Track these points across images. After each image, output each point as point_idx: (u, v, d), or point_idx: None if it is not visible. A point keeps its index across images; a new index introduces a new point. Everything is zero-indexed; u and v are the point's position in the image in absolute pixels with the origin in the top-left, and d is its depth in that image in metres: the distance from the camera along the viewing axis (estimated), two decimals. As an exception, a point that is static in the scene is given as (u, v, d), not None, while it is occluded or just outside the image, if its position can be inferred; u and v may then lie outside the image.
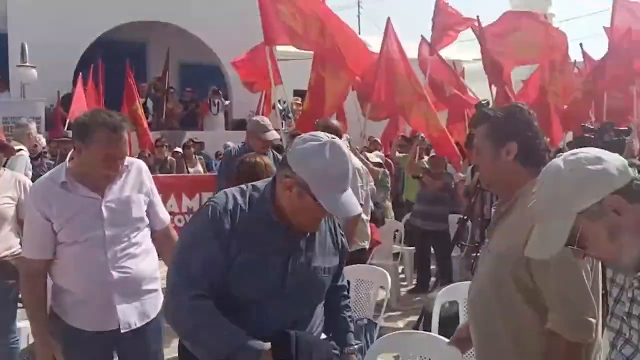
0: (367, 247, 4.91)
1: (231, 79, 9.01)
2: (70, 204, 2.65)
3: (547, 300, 1.86)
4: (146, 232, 2.88)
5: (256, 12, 7.53)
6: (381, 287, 4.02)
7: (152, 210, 2.93)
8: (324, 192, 1.88)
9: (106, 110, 2.76)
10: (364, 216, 4.67)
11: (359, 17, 36.62)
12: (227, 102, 15.44)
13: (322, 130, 2.37)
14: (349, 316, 2.33)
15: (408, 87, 8.02)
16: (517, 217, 1.98)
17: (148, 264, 2.83)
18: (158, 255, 2.97)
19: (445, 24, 9.56)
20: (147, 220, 2.88)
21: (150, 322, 2.81)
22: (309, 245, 2.06)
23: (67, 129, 9.58)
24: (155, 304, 2.82)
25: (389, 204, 9.02)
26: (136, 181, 2.85)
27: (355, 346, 2.28)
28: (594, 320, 1.84)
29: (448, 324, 3.40)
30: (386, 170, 8.10)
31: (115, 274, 2.67)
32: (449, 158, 7.92)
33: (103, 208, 2.69)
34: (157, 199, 2.99)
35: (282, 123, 8.82)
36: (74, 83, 11.79)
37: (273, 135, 5.43)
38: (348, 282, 2.72)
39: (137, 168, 2.88)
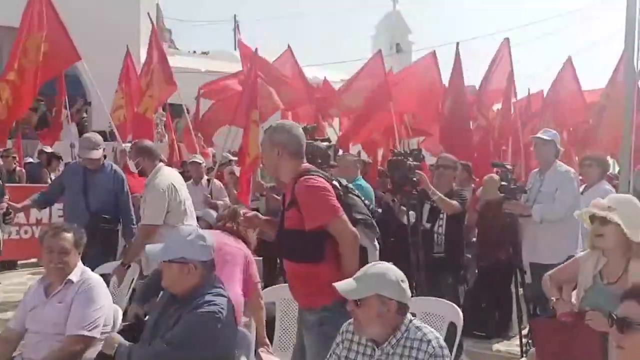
0: None
1: (90, 90, 9.08)
2: None
3: None
4: None
5: (118, 16, 7.48)
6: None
7: None
8: None
9: None
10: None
11: (234, 31, 36.52)
12: (85, 116, 15.15)
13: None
14: None
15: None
16: None
17: None
18: None
19: None
20: None
21: None
22: None
23: None
24: None
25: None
26: None
27: None
28: None
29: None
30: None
31: None
32: None
33: None
34: None
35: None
36: None
37: (94, 154, 5.43)
38: None
39: None
